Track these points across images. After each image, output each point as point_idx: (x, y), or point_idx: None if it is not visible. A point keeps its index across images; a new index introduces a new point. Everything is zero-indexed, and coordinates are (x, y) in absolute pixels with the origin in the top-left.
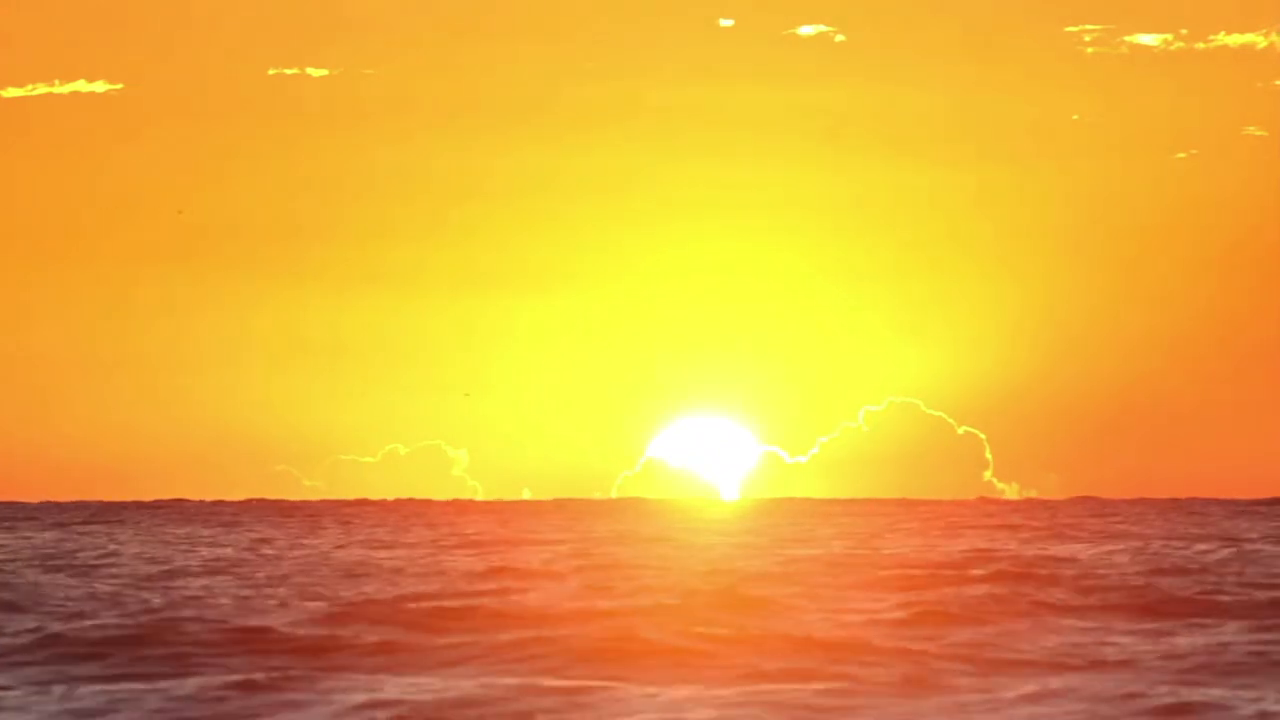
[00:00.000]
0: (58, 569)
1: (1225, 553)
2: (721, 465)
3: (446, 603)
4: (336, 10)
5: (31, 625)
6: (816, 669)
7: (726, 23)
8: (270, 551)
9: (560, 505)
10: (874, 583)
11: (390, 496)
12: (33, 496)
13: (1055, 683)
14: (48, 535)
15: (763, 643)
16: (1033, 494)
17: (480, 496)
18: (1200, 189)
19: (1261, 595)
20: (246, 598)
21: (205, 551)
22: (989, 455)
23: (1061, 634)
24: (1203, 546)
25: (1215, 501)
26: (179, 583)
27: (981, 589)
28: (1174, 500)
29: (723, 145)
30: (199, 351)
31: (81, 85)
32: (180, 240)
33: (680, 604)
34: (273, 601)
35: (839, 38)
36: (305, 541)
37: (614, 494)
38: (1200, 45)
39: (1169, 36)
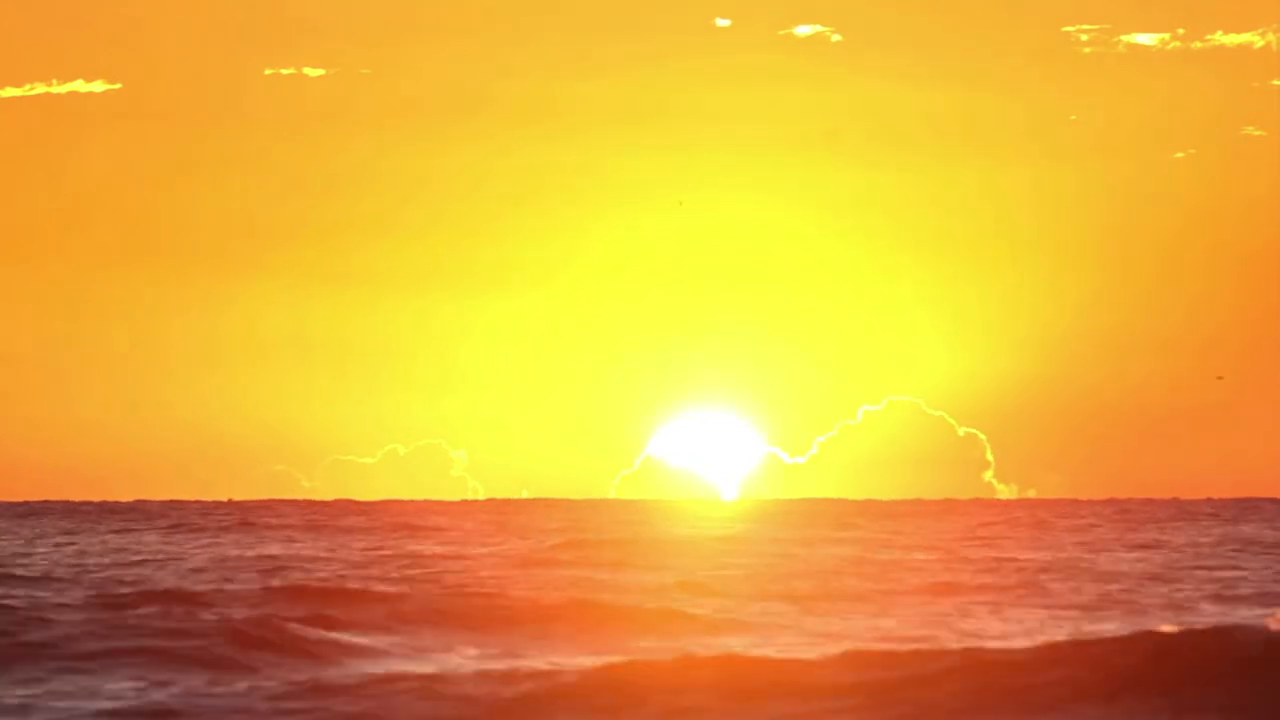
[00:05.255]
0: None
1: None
2: (722, 464)
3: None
4: (334, 10)
5: None
6: None
7: (723, 22)
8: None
9: (525, 506)
10: None
11: (389, 497)
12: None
13: None
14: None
15: None
16: (1031, 494)
17: (481, 496)
18: (1198, 189)
19: None
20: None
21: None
22: (990, 456)
23: None
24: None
25: (1217, 501)
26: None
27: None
28: (1175, 500)
29: (721, 143)
30: (198, 350)
31: (80, 85)
32: (182, 240)
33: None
34: None
35: (835, 37)
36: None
37: (612, 494)
38: (1197, 45)
39: (1166, 36)
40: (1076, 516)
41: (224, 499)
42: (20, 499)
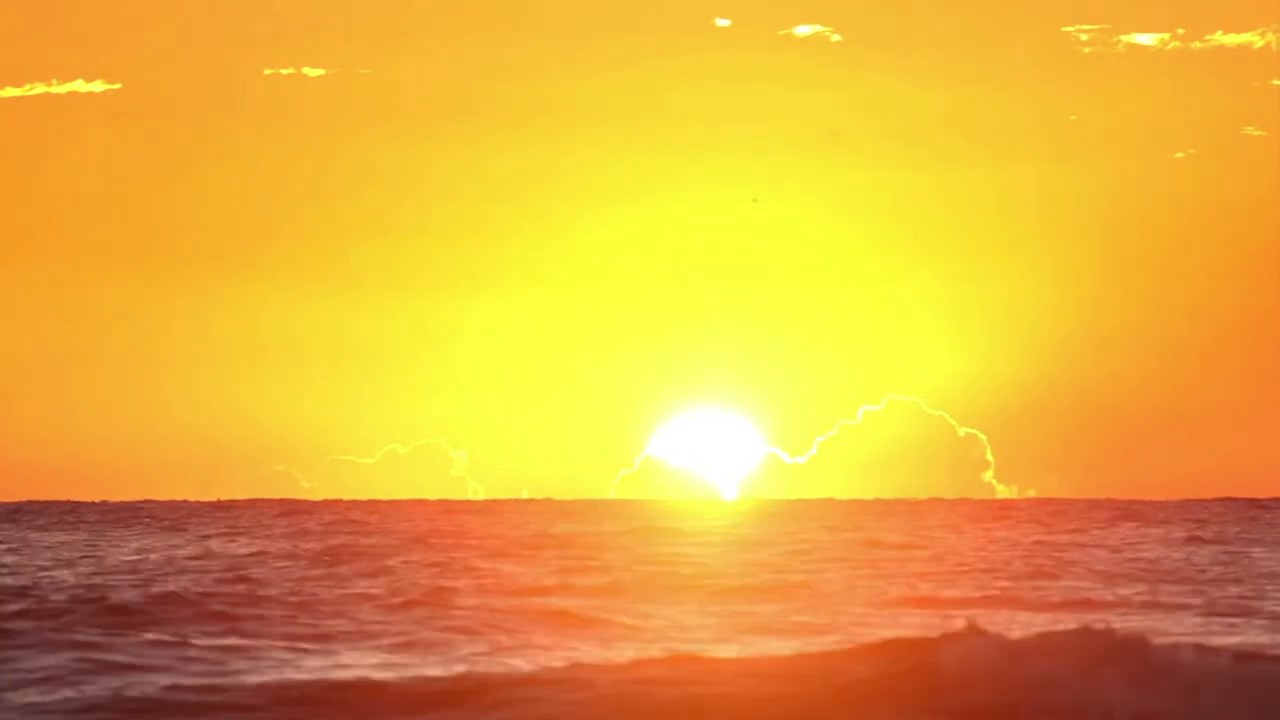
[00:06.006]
0: None
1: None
2: (722, 464)
3: None
4: (334, 10)
5: None
6: None
7: (723, 22)
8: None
9: (518, 506)
10: None
11: (388, 497)
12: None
13: None
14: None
15: None
16: (1032, 494)
17: (480, 496)
18: (1198, 189)
19: None
20: None
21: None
22: (990, 456)
23: None
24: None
25: (1220, 501)
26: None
27: None
28: (1173, 500)
29: (720, 143)
30: (197, 350)
31: (80, 85)
32: (180, 240)
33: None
34: None
35: (835, 37)
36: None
37: (612, 494)
38: (1197, 45)
39: (1165, 36)
40: (1069, 515)
41: (225, 499)
42: (17, 499)
